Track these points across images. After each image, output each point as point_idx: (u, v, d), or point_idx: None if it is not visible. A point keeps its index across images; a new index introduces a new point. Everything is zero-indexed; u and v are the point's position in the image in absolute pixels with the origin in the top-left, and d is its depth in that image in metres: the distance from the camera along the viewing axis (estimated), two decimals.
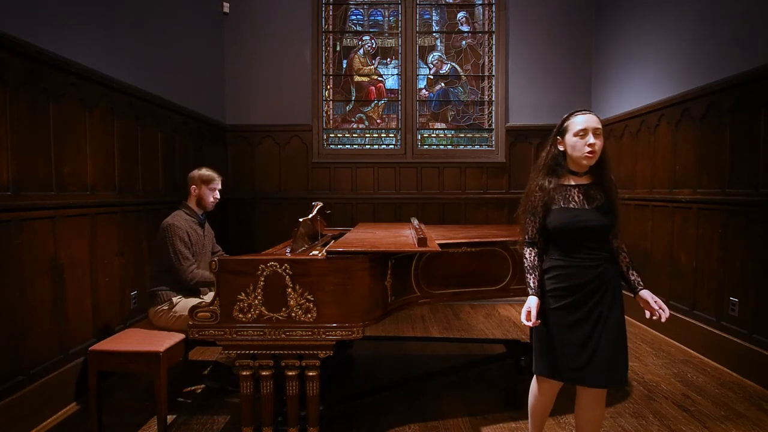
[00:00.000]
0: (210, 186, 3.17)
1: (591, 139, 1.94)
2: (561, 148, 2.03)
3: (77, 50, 3.06)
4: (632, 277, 2.05)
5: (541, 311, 2.02)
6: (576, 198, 1.99)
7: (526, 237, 2.08)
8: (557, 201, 2.00)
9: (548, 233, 2.04)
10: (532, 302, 1.99)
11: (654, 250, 4.56)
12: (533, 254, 2.07)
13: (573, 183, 2.03)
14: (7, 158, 2.52)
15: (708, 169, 3.83)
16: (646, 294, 1.99)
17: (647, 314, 1.99)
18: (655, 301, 1.98)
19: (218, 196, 3.23)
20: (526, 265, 2.08)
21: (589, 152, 1.94)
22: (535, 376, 2.15)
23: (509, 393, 3.06)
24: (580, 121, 1.96)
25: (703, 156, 3.89)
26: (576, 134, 1.96)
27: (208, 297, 2.88)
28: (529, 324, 1.96)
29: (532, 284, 2.04)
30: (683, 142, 4.15)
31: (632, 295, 2.04)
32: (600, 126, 1.97)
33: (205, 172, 3.18)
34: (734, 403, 3.02)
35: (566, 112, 2.06)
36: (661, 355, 3.88)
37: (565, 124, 2.01)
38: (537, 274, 2.05)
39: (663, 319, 1.95)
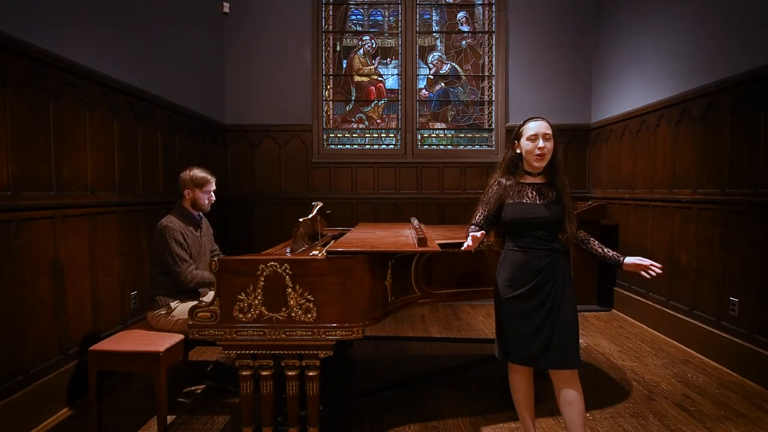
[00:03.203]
0: (204, 189, 3.06)
1: (540, 142, 2.16)
2: (518, 150, 2.25)
3: (77, 50, 3.06)
4: (610, 254, 2.22)
5: (499, 300, 2.24)
6: (529, 194, 2.21)
7: (473, 219, 2.25)
8: (512, 196, 2.21)
9: (504, 226, 2.24)
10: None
11: (654, 250, 4.56)
12: (476, 228, 2.19)
13: (528, 181, 2.24)
14: (7, 158, 2.52)
15: (708, 169, 3.83)
16: (630, 259, 2.17)
17: (644, 274, 2.14)
18: (641, 260, 2.15)
19: (213, 198, 3.14)
20: (469, 228, 2.19)
21: (538, 154, 2.16)
22: (509, 364, 2.32)
23: (509, 393, 3.05)
24: (531, 127, 2.19)
25: (703, 156, 3.89)
26: (528, 138, 2.18)
27: (208, 297, 2.87)
28: (470, 239, 2.04)
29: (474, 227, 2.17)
30: (683, 142, 4.15)
31: (620, 268, 2.19)
32: (550, 131, 2.18)
33: (197, 174, 3.05)
34: (734, 403, 3.02)
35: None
36: (661, 355, 3.88)
37: (520, 130, 2.24)
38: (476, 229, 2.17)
39: (658, 271, 2.11)
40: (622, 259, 2.18)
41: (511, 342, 2.21)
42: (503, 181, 2.25)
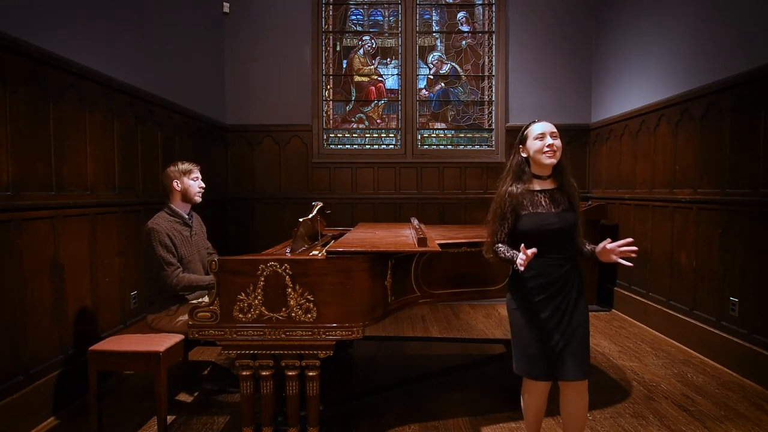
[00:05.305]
0: (191, 176, 3.01)
1: (549, 140, 2.11)
2: (524, 154, 2.20)
3: (77, 50, 3.07)
4: (589, 247, 2.15)
5: (515, 312, 2.17)
6: (543, 202, 2.15)
7: (496, 238, 2.18)
8: (526, 206, 2.14)
9: (518, 237, 2.14)
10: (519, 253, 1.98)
11: (654, 250, 4.56)
12: (505, 245, 2.14)
13: (539, 188, 2.18)
14: (7, 158, 2.52)
15: (708, 169, 3.83)
16: (599, 246, 2.06)
17: (619, 259, 1.99)
18: (609, 245, 2.01)
19: (203, 185, 3.08)
20: (501, 252, 2.12)
21: (548, 151, 2.11)
22: (524, 380, 2.24)
23: (509, 393, 3.06)
24: (537, 127, 2.16)
25: (703, 156, 3.89)
26: (536, 138, 2.14)
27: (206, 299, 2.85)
28: (523, 257, 1.94)
29: (510, 254, 2.08)
30: (683, 142, 4.15)
31: (598, 259, 2.09)
32: (556, 130, 2.16)
33: (181, 165, 3.02)
34: (734, 403, 3.03)
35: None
36: (661, 355, 3.88)
37: (525, 133, 2.19)
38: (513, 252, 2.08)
39: (633, 251, 1.98)
40: (594, 248, 2.09)
41: (529, 355, 2.12)
42: (514, 190, 2.16)
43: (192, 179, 3.02)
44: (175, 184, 2.99)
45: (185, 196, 3.02)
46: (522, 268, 1.97)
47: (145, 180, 3.86)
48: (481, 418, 2.85)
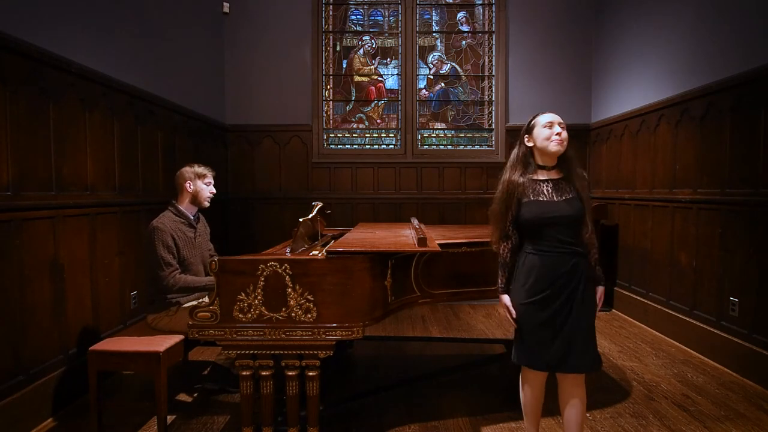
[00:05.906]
0: (205, 180, 3.05)
1: (558, 128, 2.12)
2: (530, 144, 2.18)
3: (77, 50, 3.07)
4: (596, 273, 2.21)
5: (518, 304, 2.15)
6: (545, 191, 2.13)
7: (500, 233, 2.19)
8: (528, 194, 2.13)
9: (521, 227, 2.16)
10: (506, 300, 2.18)
11: (654, 250, 4.56)
12: (507, 250, 2.19)
13: (543, 177, 2.16)
14: (7, 158, 2.52)
15: (708, 169, 3.83)
16: (599, 290, 2.20)
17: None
18: (599, 298, 2.20)
19: (214, 191, 3.12)
20: (500, 260, 2.20)
21: (556, 138, 2.10)
22: (522, 369, 2.26)
23: (509, 393, 3.05)
24: (545, 116, 2.16)
25: (703, 156, 3.89)
26: (544, 126, 2.13)
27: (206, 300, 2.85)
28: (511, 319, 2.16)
29: (502, 282, 2.20)
30: (683, 142, 4.15)
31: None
32: (563, 121, 2.16)
33: (197, 167, 3.06)
34: (734, 403, 3.03)
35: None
36: (661, 355, 3.88)
37: (533, 122, 2.19)
38: (507, 270, 2.20)
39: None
40: (598, 285, 2.19)
41: (530, 347, 2.11)
42: (518, 178, 2.14)
43: (205, 183, 3.05)
44: (187, 185, 3.02)
45: (195, 199, 3.05)
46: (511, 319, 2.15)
47: (145, 180, 3.86)
48: (481, 418, 2.85)
